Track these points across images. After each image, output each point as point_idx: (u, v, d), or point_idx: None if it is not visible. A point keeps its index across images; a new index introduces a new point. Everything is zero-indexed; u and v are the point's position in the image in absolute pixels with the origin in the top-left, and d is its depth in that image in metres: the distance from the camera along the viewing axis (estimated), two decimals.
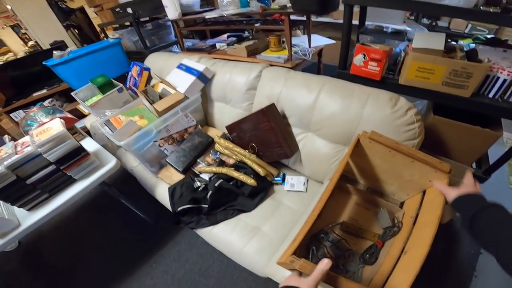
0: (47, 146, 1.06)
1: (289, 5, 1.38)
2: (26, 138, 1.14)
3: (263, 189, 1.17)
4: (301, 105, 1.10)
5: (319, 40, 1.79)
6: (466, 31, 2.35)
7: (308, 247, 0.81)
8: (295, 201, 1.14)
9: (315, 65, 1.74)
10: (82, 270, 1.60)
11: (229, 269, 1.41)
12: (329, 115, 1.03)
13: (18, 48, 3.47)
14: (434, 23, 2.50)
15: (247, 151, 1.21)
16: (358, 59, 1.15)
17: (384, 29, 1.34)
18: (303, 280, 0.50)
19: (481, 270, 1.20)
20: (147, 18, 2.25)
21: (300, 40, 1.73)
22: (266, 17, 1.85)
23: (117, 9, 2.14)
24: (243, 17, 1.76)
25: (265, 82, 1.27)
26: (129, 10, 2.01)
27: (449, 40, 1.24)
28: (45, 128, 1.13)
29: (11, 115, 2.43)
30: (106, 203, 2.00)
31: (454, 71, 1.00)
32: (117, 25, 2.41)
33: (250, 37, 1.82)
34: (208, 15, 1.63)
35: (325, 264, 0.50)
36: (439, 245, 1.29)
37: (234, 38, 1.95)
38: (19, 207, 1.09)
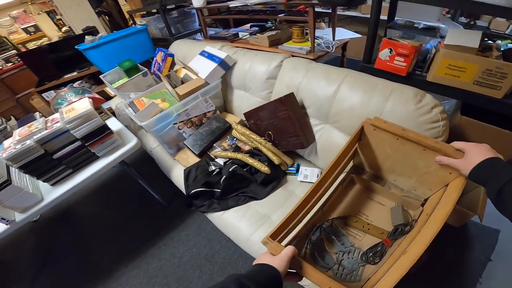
0: (75, 123, 1.12)
1: None
2: (56, 115, 1.21)
3: (276, 177, 1.18)
4: (320, 96, 1.09)
5: (344, 34, 1.75)
6: (507, 31, 2.19)
7: (307, 237, 0.79)
8: None
9: (338, 59, 1.71)
10: (94, 246, 1.70)
11: (235, 256, 1.44)
12: (349, 107, 1.01)
13: (52, 34, 3.64)
14: (472, 22, 2.35)
15: (263, 138, 1.22)
16: (384, 54, 1.12)
17: (415, 25, 1.29)
18: (274, 258, 0.52)
19: (487, 277, 1.15)
20: (173, 6, 2.30)
21: (324, 33, 1.70)
22: (290, 8, 1.84)
23: None
24: (266, 7, 1.75)
25: (285, 72, 1.27)
26: None
27: (486, 39, 1.17)
28: (74, 106, 1.19)
29: (43, 95, 2.60)
30: (123, 182, 2.10)
31: (487, 70, 0.95)
32: (145, 12, 2.49)
33: (273, 28, 1.81)
34: (232, 4, 1.64)
35: (288, 249, 0.53)
36: (450, 250, 1.25)
37: (257, 28, 1.95)
38: (43, 181, 1.16)
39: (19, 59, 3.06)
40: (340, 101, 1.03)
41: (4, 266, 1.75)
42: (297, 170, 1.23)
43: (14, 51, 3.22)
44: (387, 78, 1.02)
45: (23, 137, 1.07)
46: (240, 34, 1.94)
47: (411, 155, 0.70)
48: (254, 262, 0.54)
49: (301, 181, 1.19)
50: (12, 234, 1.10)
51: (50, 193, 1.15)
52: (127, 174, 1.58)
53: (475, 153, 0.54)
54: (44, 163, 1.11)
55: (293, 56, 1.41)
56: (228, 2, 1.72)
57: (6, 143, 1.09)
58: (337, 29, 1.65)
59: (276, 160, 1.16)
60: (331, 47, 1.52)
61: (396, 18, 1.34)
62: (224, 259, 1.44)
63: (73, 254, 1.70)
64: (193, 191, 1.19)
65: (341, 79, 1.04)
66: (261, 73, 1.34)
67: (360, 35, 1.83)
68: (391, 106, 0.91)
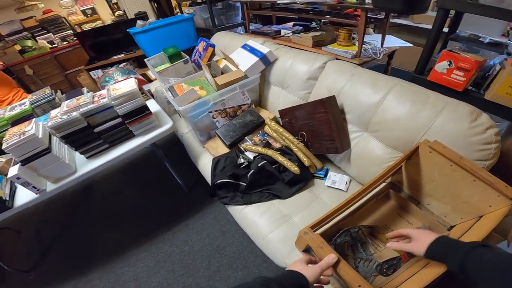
0: (120, 100, 1.19)
1: (368, 0, 1.30)
2: (103, 91, 1.28)
3: (303, 179, 1.15)
4: (363, 103, 1.04)
5: (393, 42, 1.66)
6: None
7: (331, 237, 0.79)
8: (332, 198, 1.10)
9: (381, 67, 1.62)
10: (110, 224, 1.78)
11: (246, 251, 1.43)
12: (393, 118, 0.96)
13: (106, 17, 3.90)
14: None
15: (296, 138, 1.20)
16: (441, 66, 1.05)
17: (481, 39, 1.18)
18: (307, 268, 0.52)
19: None
20: None
21: (371, 38, 1.63)
22: (338, 10, 1.78)
23: None
24: (311, 7, 1.72)
25: (328, 74, 1.23)
26: None
27: None
28: (121, 85, 1.26)
29: (90, 73, 2.80)
30: (149, 163, 2.19)
31: None
32: (192, 1, 2.56)
33: (318, 28, 1.77)
34: (280, 0, 1.62)
35: (331, 258, 0.53)
36: None
37: (301, 27, 1.92)
38: (80, 153, 1.23)
39: (74, 38, 3.32)
40: (385, 110, 0.98)
41: (19, 235, 1.87)
42: (325, 175, 1.19)
43: (70, 31, 3.50)
44: (440, 92, 0.95)
45: (70, 108, 1.15)
46: (283, 32, 1.93)
47: (457, 183, 0.69)
48: (288, 268, 0.54)
49: (328, 186, 1.15)
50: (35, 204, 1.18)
51: (84, 166, 1.22)
52: (155, 155, 1.63)
53: (424, 235, 0.58)
54: (85, 135, 1.18)
55: (337, 59, 1.37)
56: None
57: (53, 112, 1.18)
58: (386, 36, 1.57)
59: (306, 162, 1.13)
60: (378, 54, 1.45)
61: (458, 31, 1.25)
62: (235, 253, 1.44)
63: (88, 229, 1.79)
64: (219, 181, 1.20)
65: (389, 88, 0.99)
66: (302, 72, 1.32)
67: (411, 45, 1.73)
68: (442, 122, 0.85)
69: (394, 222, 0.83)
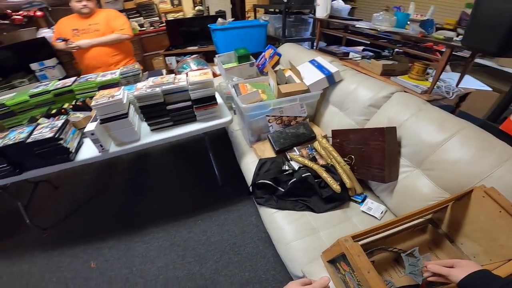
0: (195, 86, 1.33)
1: (456, 38, 1.26)
2: (182, 76, 1.44)
3: (340, 198, 1.17)
4: (423, 140, 1.02)
5: (470, 83, 1.56)
6: None
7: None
8: (364, 223, 1.10)
9: (448, 108, 1.53)
10: (143, 195, 1.93)
11: (259, 255, 1.46)
12: (453, 160, 0.93)
13: (187, 10, 4.30)
14: None
15: (343, 159, 1.22)
16: None
17: None
18: None
19: None
20: (294, 11, 2.44)
21: (447, 76, 1.55)
22: (416, 42, 1.73)
23: None
24: (385, 35, 1.70)
25: (392, 105, 1.23)
26: None
27: None
28: (200, 73, 1.41)
29: (165, 58, 3.13)
30: (195, 150, 2.36)
31: None
32: (268, 10, 2.72)
33: (390, 57, 1.75)
34: (359, 25, 1.65)
35: (325, 280, 0.53)
36: None
37: (371, 53, 1.92)
38: (148, 124, 1.39)
39: (160, 25, 3.74)
40: (445, 151, 0.95)
41: (56, 191, 2.10)
42: (363, 201, 1.19)
43: (157, 18, 3.96)
44: (509, 144, 0.89)
45: (155, 84, 1.33)
46: (351, 55, 1.94)
47: (500, 228, 0.70)
48: None
49: (363, 211, 1.15)
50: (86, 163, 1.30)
51: (146, 137, 1.37)
52: (203, 143, 1.74)
53: (469, 265, 0.58)
54: (158, 110, 1.35)
55: (404, 91, 1.35)
56: (355, 22, 1.74)
57: (139, 85, 1.37)
58: (464, 76, 1.49)
59: (348, 184, 1.15)
60: (451, 93, 1.38)
61: None
62: (248, 254, 1.47)
63: (118, 199, 1.95)
64: (260, 181, 1.27)
65: (456, 130, 0.96)
66: (365, 98, 1.33)
67: (490, 89, 1.60)
68: (503, 172, 0.81)
69: (422, 253, 0.82)
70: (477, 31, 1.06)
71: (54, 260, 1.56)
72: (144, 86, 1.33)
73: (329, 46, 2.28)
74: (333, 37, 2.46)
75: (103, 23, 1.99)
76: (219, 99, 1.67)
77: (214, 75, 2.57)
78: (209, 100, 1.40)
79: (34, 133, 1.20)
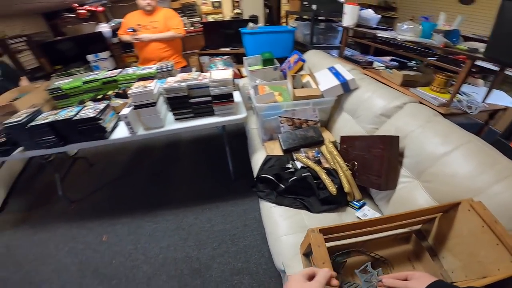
0: (215, 83, 1.47)
1: (482, 50, 1.21)
2: (206, 74, 1.60)
3: (337, 202, 1.19)
4: (426, 151, 1.01)
5: (501, 98, 1.44)
6: None
7: (333, 253, 0.82)
8: None
9: (475, 126, 1.44)
10: (161, 179, 2.10)
11: (255, 249, 1.52)
12: (451, 173, 0.91)
13: (226, 12, 4.54)
14: None
15: (346, 164, 1.24)
16: None
17: None
18: (306, 284, 0.48)
19: None
20: (324, 18, 2.47)
21: (474, 90, 1.47)
22: (447, 54, 1.67)
23: (305, 2, 2.47)
24: (417, 46, 1.66)
25: (403, 115, 1.22)
26: (314, 6, 2.28)
27: None
28: (220, 72, 1.55)
29: (200, 57, 3.37)
30: (213, 143, 2.52)
31: None
32: (298, 16, 2.79)
33: (415, 68, 1.71)
34: (380, 34, 1.65)
35: (326, 271, 0.50)
36: None
37: (397, 64, 1.88)
38: (173, 114, 1.56)
39: (199, 25, 4.02)
40: (445, 164, 0.94)
41: (90, 168, 2.39)
42: (360, 207, 1.20)
43: (198, 19, 4.25)
44: None
45: (181, 79, 1.50)
46: (375, 64, 1.92)
47: (481, 243, 0.69)
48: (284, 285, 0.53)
49: (357, 216, 1.16)
50: (115, 145, 1.47)
51: (170, 125, 1.55)
52: (221, 138, 1.88)
53: (424, 277, 0.57)
54: (182, 101, 1.51)
55: (420, 102, 1.32)
56: (377, 31, 1.73)
57: (170, 79, 1.55)
58: (495, 91, 1.39)
59: (346, 188, 1.17)
60: (473, 108, 1.31)
61: None
62: (245, 246, 1.55)
63: (140, 180, 2.16)
64: (263, 175, 1.34)
65: (460, 143, 0.94)
66: (377, 107, 1.34)
67: None
68: (500, 189, 0.79)
69: (400, 263, 0.83)
70: (501, 41, 1.02)
71: (73, 231, 1.77)
72: (173, 80, 1.51)
73: (354, 55, 2.27)
74: (368, 46, 2.44)
75: (161, 21, 2.28)
76: (238, 98, 1.80)
77: (241, 76, 2.71)
78: (227, 97, 1.52)
79: (80, 113, 1.44)
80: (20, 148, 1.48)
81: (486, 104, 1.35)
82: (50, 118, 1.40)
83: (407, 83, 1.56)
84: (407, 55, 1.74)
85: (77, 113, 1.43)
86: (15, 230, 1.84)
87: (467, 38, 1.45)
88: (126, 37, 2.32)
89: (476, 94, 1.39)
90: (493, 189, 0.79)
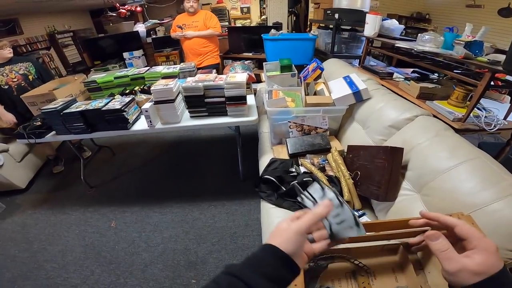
0: (230, 85, 1.55)
1: None
2: (223, 76, 1.70)
3: None
4: (430, 165, 0.98)
5: None
6: None
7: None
8: None
9: (496, 146, 1.36)
10: (174, 173, 2.21)
11: (252, 249, 1.49)
12: (450, 188, 0.88)
13: (254, 18, 4.67)
14: None
15: (349, 173, 1.24)
16: None
17: None
18: (292, 223, 0.41)
19: None
20: (348, 27, 2.47)
21: (496, 106, 1.38)
22: (474, 67, 1.59)
23: (328, 12, 2.49)
24: (438, 57, 1.61)
25: (412, 128, 1.19)
26: (336, 15, 2.29)
27: None
28: (236, 75, 1.63)
29: (224, 60, 3.51)
30: (226, 143, 2.61)
31: None
32: (321, 25, 2.80)
33: (435, 81, 1.65)
34: (398, 44, 1.62)
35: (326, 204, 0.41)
36: None
37: (418, 76, 1.83)
38: (189, 111, 1.67)
39: (225, 30, 4.19)
40: (446, 179, 0.91)
41: (113, 157, 2.57)
42: (359, 217, 1.18)
43: (226, 23, 4.42)
44: None
45: (199, 80, 1.60)
46: (395, 75, 1.89)
47: None
48: (270, 235, 0.43)
49: None
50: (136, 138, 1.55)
51: (185, 121, 1.66)
52: (234, 139, 1.95)
53: (493, 249, 0.36)
54: (198, 100, 1.61)
55: (434, 116, 1.28)
56: (396, 41, 1.71)
57: (189, 79, 1.67)
58: None
59: (346, 196, 1.17)
60: (492, 125, 1.24)
61: None
62: (243, 245, 1.59)
63: (155, 172, 2.28)
64: (265, 176, 1.38)
65: (465, 159, 0.91)
66: (387, 118, 1.32)
67: None
68: (500, 206, 0.75)
69: (382, 273, 0.80)
70: None
71: (87, 215, 1.92)
72: (192, 80, 1.62)
73: (378, 65, 2.24)
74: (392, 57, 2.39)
75: (201, 21, 2.60)
76: (251, 101, 1.86)
77: (260, 80, 2.79)
78: (240, 99, 1.59)
79: (109, 104, 1.60)
80: (52, 132, 1.67)
81: (508, 122, 1.28)
82: (82, 107, 1.57)
83: (424, 96, 1.52)
84: (428, 67, 1.69)
85: (105, 104, 1.59)
86: (34, 210, 2.03)
87: (500, 51, 1.37)
88: (175, 34, 2.68)
89: (497, 110, 1.32)
90: (492, 206, 0.76)
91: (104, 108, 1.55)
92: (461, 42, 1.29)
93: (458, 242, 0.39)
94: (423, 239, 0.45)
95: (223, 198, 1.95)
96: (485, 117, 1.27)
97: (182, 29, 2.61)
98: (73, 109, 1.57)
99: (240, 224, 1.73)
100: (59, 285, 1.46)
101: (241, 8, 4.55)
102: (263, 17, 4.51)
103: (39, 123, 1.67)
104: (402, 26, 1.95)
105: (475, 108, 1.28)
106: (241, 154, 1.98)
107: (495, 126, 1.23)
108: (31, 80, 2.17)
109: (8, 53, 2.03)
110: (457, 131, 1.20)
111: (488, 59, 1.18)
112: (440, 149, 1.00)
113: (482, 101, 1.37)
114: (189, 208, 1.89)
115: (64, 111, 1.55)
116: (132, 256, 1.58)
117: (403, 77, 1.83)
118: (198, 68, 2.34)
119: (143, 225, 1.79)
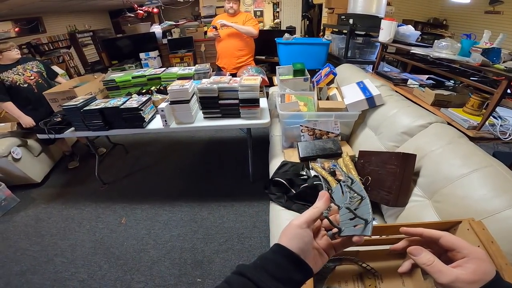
0: (244, 88, 1.58)
1: None
2: (237, 78, 1.74)
3: None
4: (443, 172, 0.98)
5: None
6: None
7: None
8: None
9: (511, 156, 1.33)
10: (186, 173, 2.26)
11: (259, 250, 1.57)
12: (462, 195, 0.88)
13: (267, 22, 4.71)
14: None
15: (359, 178, 1.24)
16: None
17: None
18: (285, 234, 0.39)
19: None
20: (362, 33, 2.46)
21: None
22: (491, 75, 1.57)
23: (343, 17, 2.49)
24: (458, 65, 1.59)
25: (425, 135, 1.19)
26: (351, 21, 2.29)
27: None
28: (250, 78, 1.66)
29: None
30: (238, 147, 2.62)
31: None
32: (334, 30, 2.81)
33: (450, 88, 1.63)
34: (413, 50, 1.61)
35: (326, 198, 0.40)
36: None
37: (433, 82, 1.81)
38: (203, 112, 1.71)
39: None
40: (458, 186, 0.91)
41: (127, 155, 2.63)
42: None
43: None
44: None
45: (214, 81, 1.64)
46: (410, 81, 1.87)
47: None
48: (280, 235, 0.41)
49: None
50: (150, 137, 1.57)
51: (199, 122, 1.70)
52: (245, 141, 1.97)
53: (485, 259, 0.35)
54: (212, 101, 1.65)
55: (448, 123, 1.27)
56: (412, 47, 1.70)
57: (204, 80, 1.72)
58: None
59: None
60: (507, 134, 1.22)
61: None
62: (250, 246, 1.60)
63: (169, 171, 2.32)
64: (276, 179, 1.40)
65: (479, 167, 0.90)
66: (400, 125, 1.32)
67: None
68: (511, 215, 0.75)
69: (390, 277, 0.80)
70: None
71: (98, 211, 1.97)
72: (206, 82, 1.66)
73: (392, 71, 2.22)
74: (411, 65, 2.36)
75: (240, 22, 2.55)
76: (264, 104, 1.89)
77: (273, 84, 2.81)
78: (253, 102, 1.62)
79: (126, 103, 1.66)
80: (71, 128, 1.75)
81: None
82: (101, 105, 1.64)
83: (439, 103, 1.51)
84: (444, 73, 1.67)
85: (123, 103, 1.65)
86: (48, 204, 2.09)
87: None
88: (209, 34, 2.64)
89: None
90: (505, 213, 0.76)
91: (122, 106, 1.62)
92: (479, 49, 1.27)
93: (443, 254, 0.39)
94: (406, 244, 0.45)
95: (232, 199, 1.97)
96: (501, 125, 1.25)
97: (217, 30, 2.53)
98: (92, 106, 1.64)
99: (248, 226, 1.75)
100: (66, 279, 1.49)
101: (255, 12, 4.60)
102: (276, 20, 4.55)
103: (59, 119, 1.75)
104: (418, 32, 1.93)
105: (491, 117, 1.26)
106: (252, 156, 2.00)
107: (510, 135, 1.21)
108: (45, 77, 2.23)
109: (16, 54, 2.06)
110: (471, 139, 1.19)
111: (505, 67, 1.16)
112: (453, 157, 1.00)
113: (498, 109, 1.35)
114: (198, 207, 1.92)
115: (84, 108, 1.62)
116: (140, 253, 1.62)
117: (417, 83, 1.82)
118: (233, 75, 2.11)
119: (153, 223, 1.82)
